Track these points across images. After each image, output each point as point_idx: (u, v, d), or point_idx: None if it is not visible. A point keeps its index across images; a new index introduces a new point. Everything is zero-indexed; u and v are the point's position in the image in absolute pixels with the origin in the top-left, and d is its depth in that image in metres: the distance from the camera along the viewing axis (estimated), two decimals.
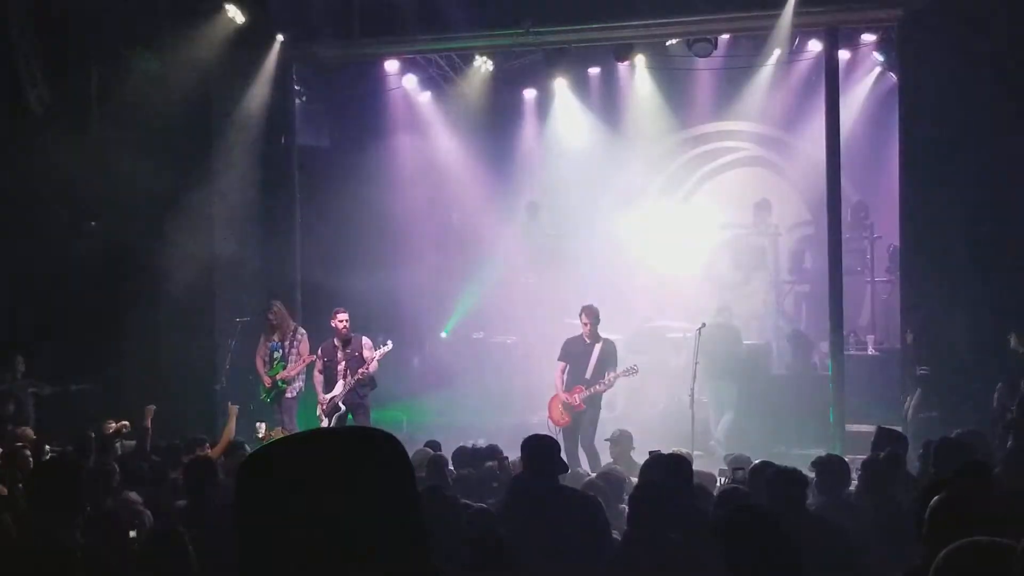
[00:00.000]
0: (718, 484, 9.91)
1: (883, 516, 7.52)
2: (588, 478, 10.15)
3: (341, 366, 14.60)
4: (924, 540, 5.07)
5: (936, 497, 5.22)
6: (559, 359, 14.54)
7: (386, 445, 2.20)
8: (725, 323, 16.46)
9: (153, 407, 12.45)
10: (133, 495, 8.51)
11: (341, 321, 14.64)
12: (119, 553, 6.40)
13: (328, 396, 14.61)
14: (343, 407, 14.53)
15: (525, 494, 7.63)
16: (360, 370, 14.40)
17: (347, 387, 14.47)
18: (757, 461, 8.81)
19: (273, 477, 2.13)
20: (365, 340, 14.76)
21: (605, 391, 14.35)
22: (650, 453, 9.30)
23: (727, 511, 6.04)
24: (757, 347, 17.53)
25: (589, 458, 13.67)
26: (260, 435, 12.98)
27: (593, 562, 6.90)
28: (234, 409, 13.32)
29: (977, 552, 3.70)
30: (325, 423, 14.49)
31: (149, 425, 12.13)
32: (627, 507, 7.18)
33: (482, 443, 11.82)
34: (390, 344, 14.63)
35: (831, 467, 8.25)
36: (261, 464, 2.17)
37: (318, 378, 14.84)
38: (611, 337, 14.95)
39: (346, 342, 14.65)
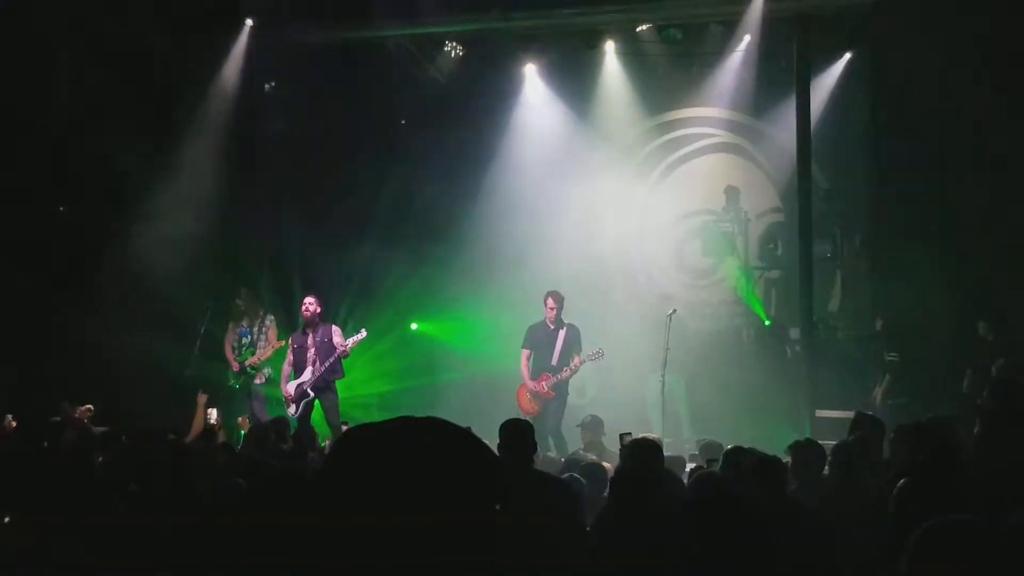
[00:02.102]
0: (687, 468, 9.96)
1: (853, 500, 7.55)
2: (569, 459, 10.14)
3: (311, 352, 14.62)
4: (893, 522, 5.10)
5: (901, 480, 5.25)
6: (523, 347, 14.57)
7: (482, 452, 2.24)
8: (671, 314, 16.05)
9: (90, 406, 12.43)
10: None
11: (306, 306, 14.64)
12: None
13: (296, 383, 14.63)
14: (311, 393, 14.54)
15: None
16: (336, 354, 14.43)
17: (316, 374, 14.47)
18: (729, 447, 8.82)
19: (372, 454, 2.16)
20: (334, 328, 14.79)
21: (571, 376, 14.38)
22: (620, 436, 9.32)
23: (701, 494, 6.06)
24: (727, 333, 17.58)
25: (556, 444, 13.70)
26: (212, 420, 12.91)
27: (567, 546, 6.90)
28: (202, 399, 13.28)
29: (952, 530, 3.71)
30: (292, 409, 14.53)
31: (85, 423, 12.05)
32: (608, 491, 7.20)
33: None
34: (364, 332, 14.63)
35: (807, 452, 8.28)
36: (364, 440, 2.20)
37: (286, 370, 14.88)
38: (583, 323, 15.03)
39: (311, 326, 14.66)
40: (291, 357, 14.84)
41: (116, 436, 11.11)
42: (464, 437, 2.24)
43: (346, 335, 14.63)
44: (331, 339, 14.59)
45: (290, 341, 14.93)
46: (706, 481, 7.20)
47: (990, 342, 13.30)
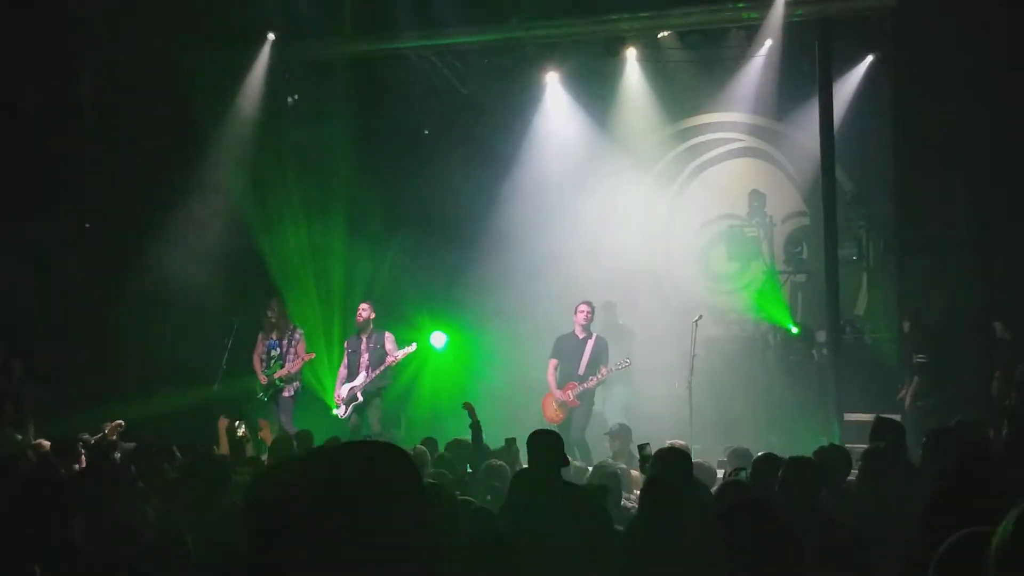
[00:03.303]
0: (718, 477, 9.95)
1: (883, 506, 7.53)
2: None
3: (364, 358, 15.23)
4: (922, 531, 5.07)
5: (933, 488, 5.21)
6: (551, 356, 14.60)
7: (395, 460, 2.21)
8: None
9: (121, 422, 12.48)
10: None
11: (360, 312, 15.43)
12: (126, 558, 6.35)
13: (348, 386, 15.21)
14: (361, 397, 15.10)
15: (529, 489, 7.65)
16: (386, 362, 15.10)
17: (368, 378, 15.09)
18: (759, 454, 8.80)
19: (283, 501, 2.15)
20: (388, 335, 15.41)
21: (598, 386, 14.40)
22: (639, 447, 9.30)
23: (729, 503, 6.05)
24: (753, 337, 17.52)
25: (580, 452, 13.72)
26: (240, 434, 12.95)
27: (597, 556, 6.90)
28: (223, 423, 13.35)
29: (981, 543, 3.68)
30: (342, 410, 15.22)
31: (115, 439, 12.09)
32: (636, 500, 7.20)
33: None
34: (415, 345, 15.31)
35: (834, 457, 8.25)
36: (271, 488, 2.18)
37: (342, 373, 15.47)
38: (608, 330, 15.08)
39: (364, 331, 15.32)
40: (346, 360, 15.50)
41: (144, 452, 11.17)
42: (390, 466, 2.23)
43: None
44: (383, 345, 15.19)
45: (345, 345, 15.64)
46: (734, 490, 7.18)
47: (1009, 341, 13.24)
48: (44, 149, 15.77)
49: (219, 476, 8.08)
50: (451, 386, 17.53)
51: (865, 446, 9.06)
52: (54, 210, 15.97)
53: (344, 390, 15.32)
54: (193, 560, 5.96)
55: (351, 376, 15.31)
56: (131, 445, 11.92)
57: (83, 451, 11.31)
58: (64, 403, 14.88)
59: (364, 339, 15.34)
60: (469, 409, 11.49)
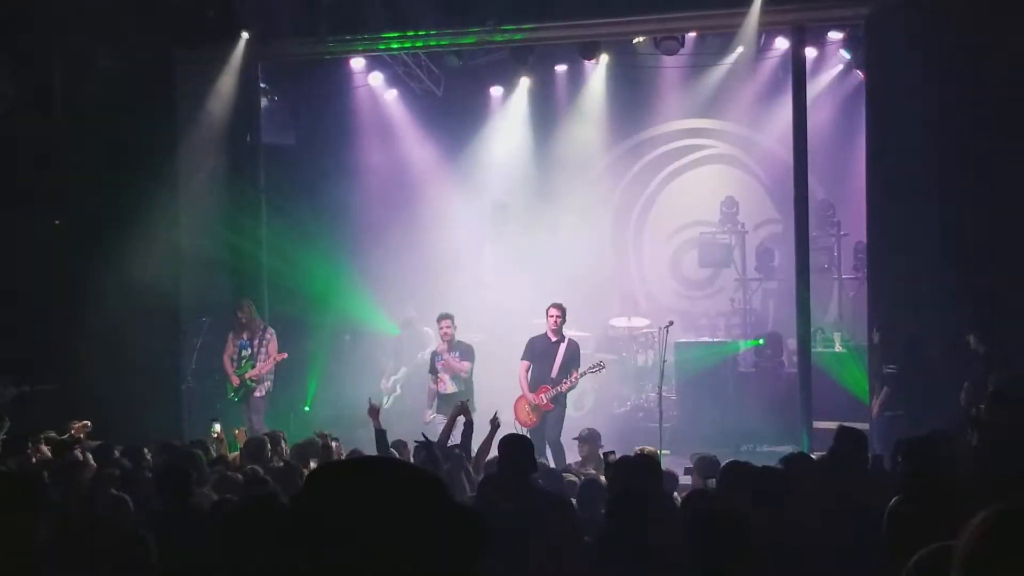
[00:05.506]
0: (682, 483, 9.97)
1: (848, 514, 7.52)
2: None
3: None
4: (888, 541, 5.07)
5: (894, 499, 5.21)
6: (523, 358, 14.52)
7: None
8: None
9: (87, 422, 12.35)
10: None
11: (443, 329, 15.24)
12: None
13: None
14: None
15: (498, 492, 7.62)
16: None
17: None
18: (727, 461, 8.78)
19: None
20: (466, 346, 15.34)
21: (571, 389, 14.36)
22: (604, 455, 9.25)
23: (697, 514, 6.03)
24: (725, 345, 17.54)
25: (554, 454, 13.68)
26: (215, 434, 12.79)
27: (565, 562, 6.88)
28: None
29: (948, 557, 3.66)
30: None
31: (81, 438, 11.96)
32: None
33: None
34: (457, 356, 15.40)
35: (797, 466, 8.25)
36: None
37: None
38: (580, 335, 15.04)
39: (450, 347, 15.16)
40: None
41: (110, 449, 11.08)
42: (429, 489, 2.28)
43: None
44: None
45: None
46: (701, 500, 7.16)
47: (982, 353, 13.24)
48: (13, 142, 15.67)
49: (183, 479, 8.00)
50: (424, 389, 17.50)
51: None
52: (23, 205, 15.85)
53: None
54: (154, 560, 5.90)
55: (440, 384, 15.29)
56: (96, 444, 11.80)
57: (47, 448, 11.24)
58: (30, 400, 14.76)
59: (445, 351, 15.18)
60: (464, 411, 11.43)
